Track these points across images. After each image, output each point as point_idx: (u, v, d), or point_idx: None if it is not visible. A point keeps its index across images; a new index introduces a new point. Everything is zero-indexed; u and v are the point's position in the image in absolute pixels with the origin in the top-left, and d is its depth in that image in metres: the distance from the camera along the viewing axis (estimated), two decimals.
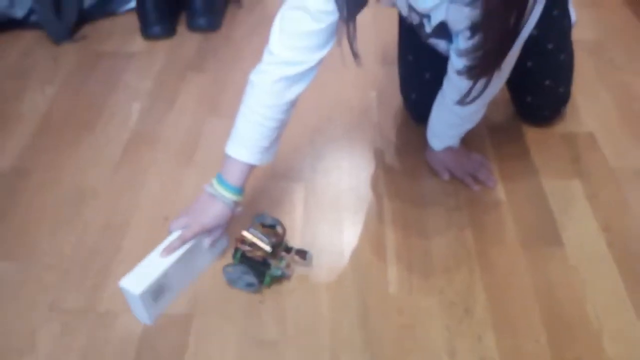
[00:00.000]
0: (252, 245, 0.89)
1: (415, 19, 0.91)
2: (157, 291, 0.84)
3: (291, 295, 0.91)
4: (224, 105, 1.28)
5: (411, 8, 0.87)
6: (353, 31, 0.80)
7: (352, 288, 0.91)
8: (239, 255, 0.89)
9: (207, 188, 0.88)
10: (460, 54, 0.80)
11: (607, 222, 1.01)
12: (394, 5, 0.93)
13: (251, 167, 0.88)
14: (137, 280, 0.82)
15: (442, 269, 0.94)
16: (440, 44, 0.95)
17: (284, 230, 0.93)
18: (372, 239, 0.99)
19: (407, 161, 1.15)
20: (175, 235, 0.86)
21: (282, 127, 0.88)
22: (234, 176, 0.87)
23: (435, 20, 0.85)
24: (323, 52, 0.84)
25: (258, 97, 0.86)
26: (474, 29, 0.74)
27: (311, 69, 0.84)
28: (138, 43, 1.50)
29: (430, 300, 0.89)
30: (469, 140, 1.13)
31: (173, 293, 0.88)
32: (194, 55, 1.46)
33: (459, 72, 0.80)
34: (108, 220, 1.02)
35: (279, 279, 0.91)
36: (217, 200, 0.87)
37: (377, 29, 1.51)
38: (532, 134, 1.19)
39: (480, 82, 0.78)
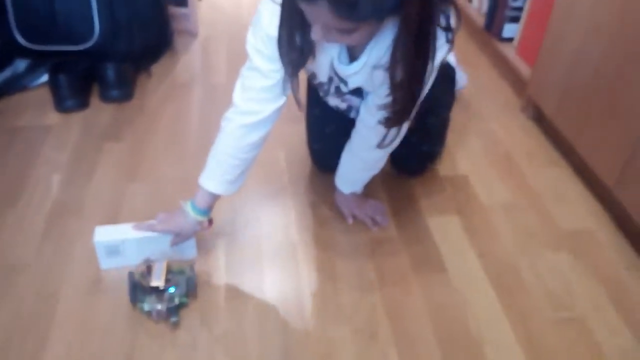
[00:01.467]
0: (149, 271, 1.04)
1: (334, 82, 1.07)
2: (112, 249, 1.08)
3: (219, 328, 1.01)
4: (141, 172, 1.38)
5: (335, 74, 1.03)
6: (296, 85, 0.96)
7: (275, 325, 1.03)
8: (178, 297, 1.03)
9: (182, 203, 1.07)
10: (378, 108, 0.96)
11: (481, 249, 1.21)
12: (311, 72, 1.10)
13: (216, 196, 1.06)
14: (103, 234, 1.08)
15: (350, 301, 1.09)
16: (352, 100, 1.13)
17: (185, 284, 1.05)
18: (289, 280, 1.12)
19: (316, 209, 1.30)
20: (150, 222, 1.09)
21: (244, 165, 1.06)
22: (201, 201, 1.06)
23: (354, 83, 1.02)
24: (276, 104, 1.00)
25: (223, 140, 1.03)
26: (391, 88, 0.90)
27: (267, 118, 1.01)
28: (53, 116, 1.56)
29: (342, 330, 1.03)
30: (366, 186, 1.31)
31: (125, 259, 1.10)
32: (108, 125, 1.55)
33: (379, 122, 0.96)
34: (39, 290, 1.07)
35: (146, 314, 1.03)
36: (184, 215, 1.07)
37: None
38: (416, 182, 1.39)
39: (393, 130, 0.97)
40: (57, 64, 1.65)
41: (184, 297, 1.04)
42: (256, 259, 1.17)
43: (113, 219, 1.23)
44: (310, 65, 1.02)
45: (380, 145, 1.00)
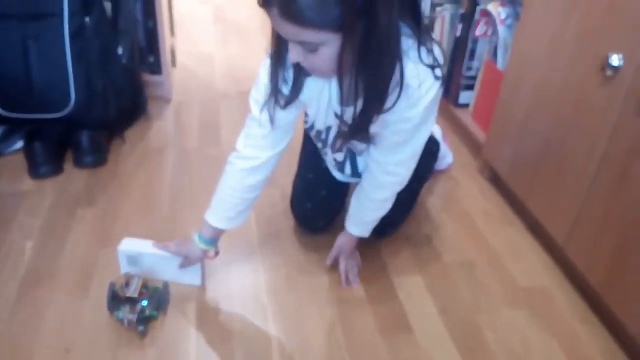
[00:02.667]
0: (127, 284, 1.17)
1: (334, 129, 1.17)
2: (132, 260, 1.24)
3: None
4: (115, 237, 1.39)
5: (335, 116, 1.10)
6: (274, 107, 1.06)
7: None
8: (150, 308, 1.16)
9: (192, 233, 1.21)
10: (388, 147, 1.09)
11: (444, 307, 1.27)
12: (312, 122, 1.20)
13: (220, 230, 1.20)
14: (127, 245, 1.25)
15: None
16: (358, 146, 1.24)
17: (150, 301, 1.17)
18: (259, 340, 1.15)
19: (285, 269, 1.34)
20: (168, 243, 1.24)
21: (245, 204, 1.18)
22: (206, 233, 1.20)
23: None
24: (274, 152, 1.14)
25: (226, 181, 1.17)
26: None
27: (265, 163, 1.14)
28: (27, 182, 1.59)
29: None
30: (332, 244, 1.37)
31: (141, 270, 1.24)
32: (82, 191, 1.58)
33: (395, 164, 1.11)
34: (11, 358, 1.08)
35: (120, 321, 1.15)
36: (192, 243, 1.20)
37: None
38: (381, 240, 1.45)
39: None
40: (33, 131, 1.69)
41: (154, 311, 1.17)
42: (225, 318, 1.20)
43: (86, 285, 1.25)
44: (310, 110, 1.15)
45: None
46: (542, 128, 1.41)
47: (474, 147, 1.86)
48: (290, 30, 0.84)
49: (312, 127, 1.21)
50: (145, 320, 1.15)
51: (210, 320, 1.20)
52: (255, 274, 1.33)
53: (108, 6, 1.79)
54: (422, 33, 0.91)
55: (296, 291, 1.29)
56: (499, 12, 1.70)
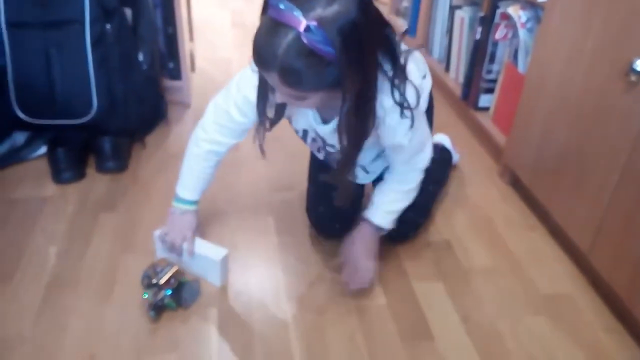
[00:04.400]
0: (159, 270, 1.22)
1: (312, 135, 1.25)
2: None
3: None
4: (137, 242, 1.42)
5: (315, 133, 1.20)
6: (263, 136, 1.17)
7: None
8: (170, 299, 1.20)
9: (172, 206, 1.33)
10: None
11: (465, 314, 1.26)
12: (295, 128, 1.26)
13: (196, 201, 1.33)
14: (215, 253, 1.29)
15: None
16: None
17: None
18: (279, 347, 1.16)
19: (305, 275, 1.35)
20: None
21: (212, 177, 1.33)
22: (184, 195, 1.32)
23: (332, 141, 1.21)
24: (239, 139, 1.27)
25: (197, 160, 1.29)
26: (340, 147, 1.07)
27: (229, 148, 1.28)
28: (50, 187, 1.62)
29: None
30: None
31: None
32: (104, 196, 1.60)
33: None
34: None
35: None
36: (177, 214, 1.32)
37: (267, 162, 1.76)
38: (401, 245, 1.45)
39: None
40: (55, 137, 1.72)
41: (173, 302, 1.20)
42: (246, 324, 1.20)
43: (109, 290, 1.27)
44: (292, 118, 1.24)
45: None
46: (563, 132, 1.40)
47: (494, 150, 1.84)
48: (285, 90, 0.92)
49: (290, 122, 1.29)
50: (159, 308, 1.19)
51: (231, 327, 1.20)
52: (275, 280, 1.34)
53: (128, 13, 1.81)
54: (397, 74, 0.99)
55: (316, 297, 1.29)
56: (519, 15, 1.69)
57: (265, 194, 1.64)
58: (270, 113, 1.12)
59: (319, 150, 1.33)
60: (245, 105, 1.16)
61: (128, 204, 1.57)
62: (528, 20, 1.68)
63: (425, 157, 1.24)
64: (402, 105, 1.02)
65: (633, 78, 1.14)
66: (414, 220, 1.43)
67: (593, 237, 1.29)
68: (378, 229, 1.29)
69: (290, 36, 0.84)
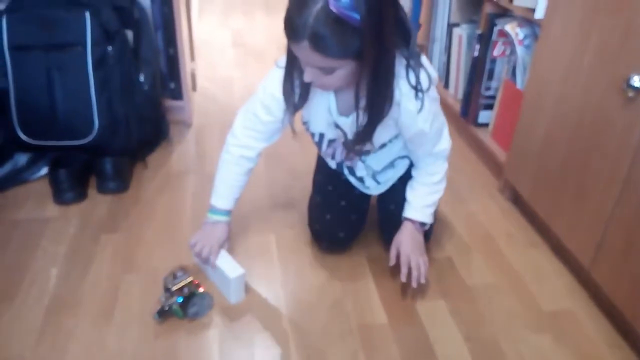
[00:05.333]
0: (175, 277, 1.25)
1: (332, 134, 1.29)
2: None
3: None
4: (138, 262, 1.42)
5: (334, 125, 1.25)
6: (292, 119, 1.22)
7: None
8: (177, 307, 1.22)
9: (206, 218, 1.36)
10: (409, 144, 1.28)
11: (468, 333, 1.25)
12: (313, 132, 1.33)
13: (229, 211, 1.36)
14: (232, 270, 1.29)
15: None
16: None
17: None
18: None
19: (306, 294, 1.34)
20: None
21: (244, 185, 1.36)
22: (219, 206, 1.35)
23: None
24: (268, 143, 1.32)
25: (230, 168, 1.34)
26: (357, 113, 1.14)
27: (259, 153, 1.33)
28: (51, 208, 1.62)
29: None
30: (353, 266, 1.36)
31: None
32: (105, 216, 1.60)
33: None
34: None
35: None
36: (211, 225, 1.35)
37: (267, 178, 1.77)
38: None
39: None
40: (57, 158, 1.72)
41: (181, 311, 1.22)
42: (248, 342, 1.20)
43: (110, 313, 1.26)
44: (307, 113, 1.27)
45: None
46: (563, 148, 1.40)
47: (494, 166, 1.84)
48: (316, 59, 0.99)
49: (308, 127, 1.33)
50: (165, 313, 1.22)
51: (232, 347, 1.20)
52: (276, 299, 1.33)
53: (130, 35, 1.83)
54: (412, 57, 1.08)
55: (318, 317, 1.28)
56: (516, 32, 1.70)
57: (266, 212, 1.64)
58: (295, 99, 1.18)
59: (332, 157, 1.38)
60: (271, 102, 1.22)
61: (129, 225, 1.57)
62: (525, 37, 1.69)
63: (446, 144, 1.31)
64: (417, 88, 1.10)
65: (630, 94, 1.14)
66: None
67: (594, 252, 1.29)
68: (420, 224, 1.35)
69: (319, 4, 0.92)
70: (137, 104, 1.80)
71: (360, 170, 1.41)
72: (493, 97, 1.91)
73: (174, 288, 1.23)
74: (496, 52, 1.83)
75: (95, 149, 1.73)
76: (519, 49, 1.70)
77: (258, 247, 1.50)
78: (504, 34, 1.78)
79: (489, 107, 1.93)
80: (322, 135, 1.32)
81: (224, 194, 1.35)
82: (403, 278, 1.29)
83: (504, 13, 1.83)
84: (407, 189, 1.36)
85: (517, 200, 1.70)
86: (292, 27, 0.96)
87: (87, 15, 1.68)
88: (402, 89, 1.10)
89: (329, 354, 1.19)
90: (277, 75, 1.17)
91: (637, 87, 1.13)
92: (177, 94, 2.08)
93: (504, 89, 1.82)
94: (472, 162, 1.94)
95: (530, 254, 1.51)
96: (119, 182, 1.71)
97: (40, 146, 1.75)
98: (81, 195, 1.67)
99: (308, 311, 1.30)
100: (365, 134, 1.15)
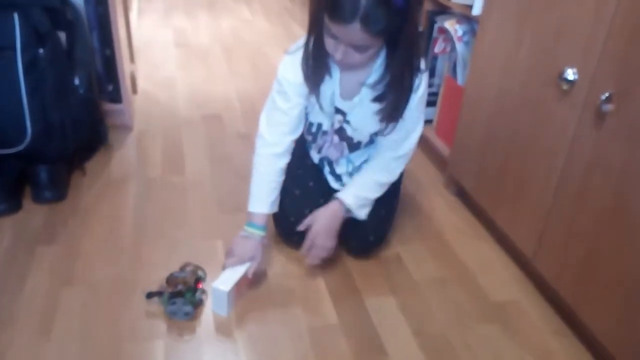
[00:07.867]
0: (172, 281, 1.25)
1: (336, 123, 1.35)
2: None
3: None
4: (77, 275, 1.35)
5: (337, 110, 1.32)
6: (318, 93, 1.27)
7: None
8: (166, 297, 1.22)
9: (241, 231, 1.32)
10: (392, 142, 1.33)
11: (417, 327, 1.26)
12: (312, 120, 1.37)
13: (267, 215, 1.33)
14: (223, 282, 1.26)
15: None
16: (334, 152, 1.42)
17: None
18: None
19: (255, 302, 1.31)
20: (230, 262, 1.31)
21: (279, 186, 1.34)
22: (258, 220, 1.31)
23: (356, 118, 1.31)
24: (292, 136, 1.33)
25: (261, 169, 1.32)
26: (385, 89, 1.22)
27: (287, 148, 1.33)
28: None
29: None
30: (304, 268, 1.35)
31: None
32: (42, 227, 1.52)
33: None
34: None
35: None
36: (248, 238, 1.31)
37: (214, 184, 1.73)
38: (352, 261, 1.45)
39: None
40: None
41: (165, 302, 1.23)
42: (196, 353, 1.16)
43: (47, 328, 1.20)
44: (311, 102, 1.31)
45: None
46: (503, 142, 1.43)
47: (439, 162, 1.87)
48: (360, 37, 1.06)
49: (307, 117, 1.36)
50: (152, 295, 1.25)
51: (179, 357, 1.16)
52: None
53: (63, 37, 1.75)
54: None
55: (267, 324, 1.26)
56: (455, 29, 1.73)
57: (213, 217, 1.61)
58: (314, 74, 1.23)
59: (319, 151, 1.42)
60: (287, 86, 1.26)
61: (67, 235, 1.50)
62: (464, 33, 1.72)
63: (411, 143, 1.35)
64: (419, 68, 1.20)
65: (565, 87, 1.18)
66: (381, 232, 1.46)
67: (537, 242, 1.32)
68: (346, 210, 1.34)
69: None
70: (73, 108, 1.72)
71: (341, 167, 1.43)
72: (436, 94, 1.94)
73: (171, 280, 1.24)
74: (437, 49, 1.86)
75: (29, 157, 1.64)
76: (459, 46, 1.73)
77: (206, 253, 1.46)
78: (443, 31, 1.80)
79: (432, 103, 1.96)
80: (319, 125, 1.36)
81: (259, 196, 1.32)
82: (304, 251, 1.34)
83: (443, 10, 1.85)
84: (355, 176, 1.39)
85: (462, 194, 1.73)
86: (344, 11, 1.02)
87: (16, 16, 1.59)
88: (421, 66, 1.20)
89: (277, 357, 1.17)
90: (288, 62, 1.24)
91: (570, 80, 1.16)
92: (116, 97, 2.01)
93: (446, 86, 1.85)
94: (418, 158, 1.96)
95: (476, 246, 1.54)
96: (56, 190, 1.63)
97: None
98: (15, 207, 1.58)
99: (257, 320, 1.27)
100: (397, 111, 1.21)
